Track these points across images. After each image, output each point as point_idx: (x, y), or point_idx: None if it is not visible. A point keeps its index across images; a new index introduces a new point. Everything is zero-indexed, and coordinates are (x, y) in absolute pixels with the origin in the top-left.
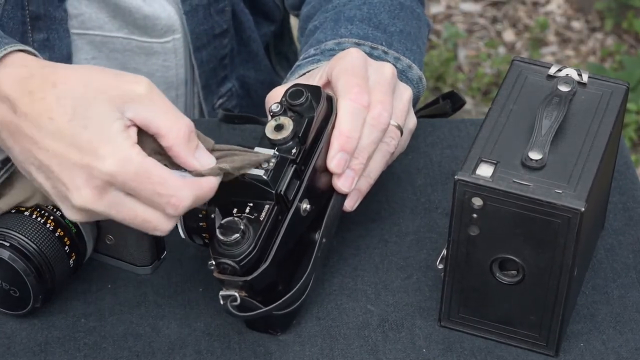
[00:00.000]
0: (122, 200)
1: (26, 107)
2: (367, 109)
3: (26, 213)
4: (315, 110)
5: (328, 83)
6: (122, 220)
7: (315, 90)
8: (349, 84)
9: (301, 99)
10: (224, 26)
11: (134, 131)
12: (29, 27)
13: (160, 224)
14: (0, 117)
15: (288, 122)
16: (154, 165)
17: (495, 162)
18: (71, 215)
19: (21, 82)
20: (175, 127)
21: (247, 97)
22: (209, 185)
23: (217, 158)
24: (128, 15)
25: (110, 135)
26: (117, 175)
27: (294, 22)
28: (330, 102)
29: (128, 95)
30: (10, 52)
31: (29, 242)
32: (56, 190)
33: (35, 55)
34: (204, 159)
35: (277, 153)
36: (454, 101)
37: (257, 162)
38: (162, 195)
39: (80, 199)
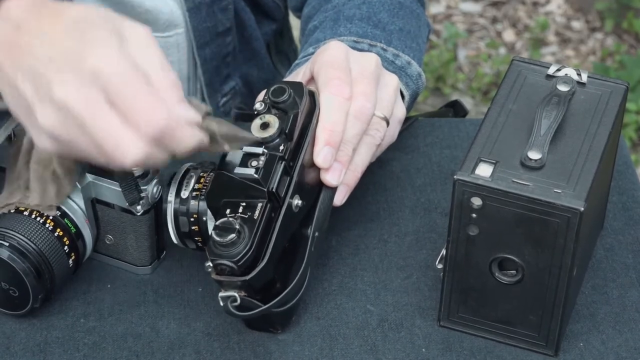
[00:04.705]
0: (100, 103)
1: (30, 25)
2: (349, 101)
3: (25, 213)
4: (299, 106)
5: (312, 79)
6: (94, 127)
7: (297, 87)
8: (330, 77)
9: (284, 96)
10: (227, 24)
11: None
12: None
13: (126, 143)
14: (0, 35)
15: (273, 120)
16: (141, 76)
17: (494, 161)
18: (46, 118)
19: (34, 6)
20: (161, 75)
21: (250, 95)
22: (190, 131)
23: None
24: (130, 9)
25: (107, 43)
26: (103, 72)
27: (293, 21)
28: (313, 97)
29: (127, 35)
30: None
31: (28, 242)
32: (38, 91)
33: None
34: (189, 111)
35: (265, 151)
36: (457, 110)
37: (245, 139)
38: (139, 104)
39: (62, 90)
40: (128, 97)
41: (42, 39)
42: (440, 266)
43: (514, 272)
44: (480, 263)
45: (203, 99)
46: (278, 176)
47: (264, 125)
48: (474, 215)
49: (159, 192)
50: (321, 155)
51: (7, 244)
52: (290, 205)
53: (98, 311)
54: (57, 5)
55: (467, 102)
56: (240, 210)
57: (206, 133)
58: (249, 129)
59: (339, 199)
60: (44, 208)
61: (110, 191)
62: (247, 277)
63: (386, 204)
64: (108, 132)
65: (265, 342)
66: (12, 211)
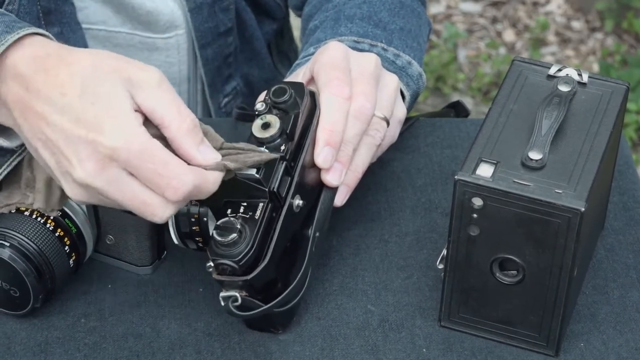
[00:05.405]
0: (123, 179)
1: (39, 84)
2: (349, 101)
3: (26, 213)
4: (300, 107)
5: (312, 79)
6: (122, 200)
7: (298, 87)
8: (329, 77)
9: (285, 97)
10: (229, 24)
11: (140, 115)
12: (43, 22)
13: (158, 209)
14: (12, 94)
15: (274, 120)
16: (159, 146)
17: (495, 162)
18: (71, 191)
19: (36, 60)
20: (179, 119)
21: (251, 95)
22: (213, 178)
23: (223, 156)
24: (131, 10)
25: (118, 113)
26: (120, 151)
27: (294, 21)
28: (314, 98)
29: (138, 81)
30: (27, 35)
31: (29, 242)
32: (59, 165)
33: (51, 38)
34: (208, 154)
35: (266, 151)
36: (459, 111)
37: (261, 161)
38: (163, 176)
39: (82, 172)
40: (149, 173)
41: (54, 105)
42: (441, 266)
43: (514, 272)
44: (481, 263)
45: (205, 100)
46: (279, 176)
47: (265, 126)
48: (474, 215)
49: None
50: (321, 155)
51: (8, 244)
52: (291, 205)
53: (99, 311)
54: (61, 58)
55: (468, 102)
56: (242, 210)
57: (223, 170)
58: (249, 130)
59: (340, 200)
60: (45, 211)
61: None
62: (249, 277)
63: (387, 204)
64: (134, 199)
65: (266, 342)
66: (12, 211)
